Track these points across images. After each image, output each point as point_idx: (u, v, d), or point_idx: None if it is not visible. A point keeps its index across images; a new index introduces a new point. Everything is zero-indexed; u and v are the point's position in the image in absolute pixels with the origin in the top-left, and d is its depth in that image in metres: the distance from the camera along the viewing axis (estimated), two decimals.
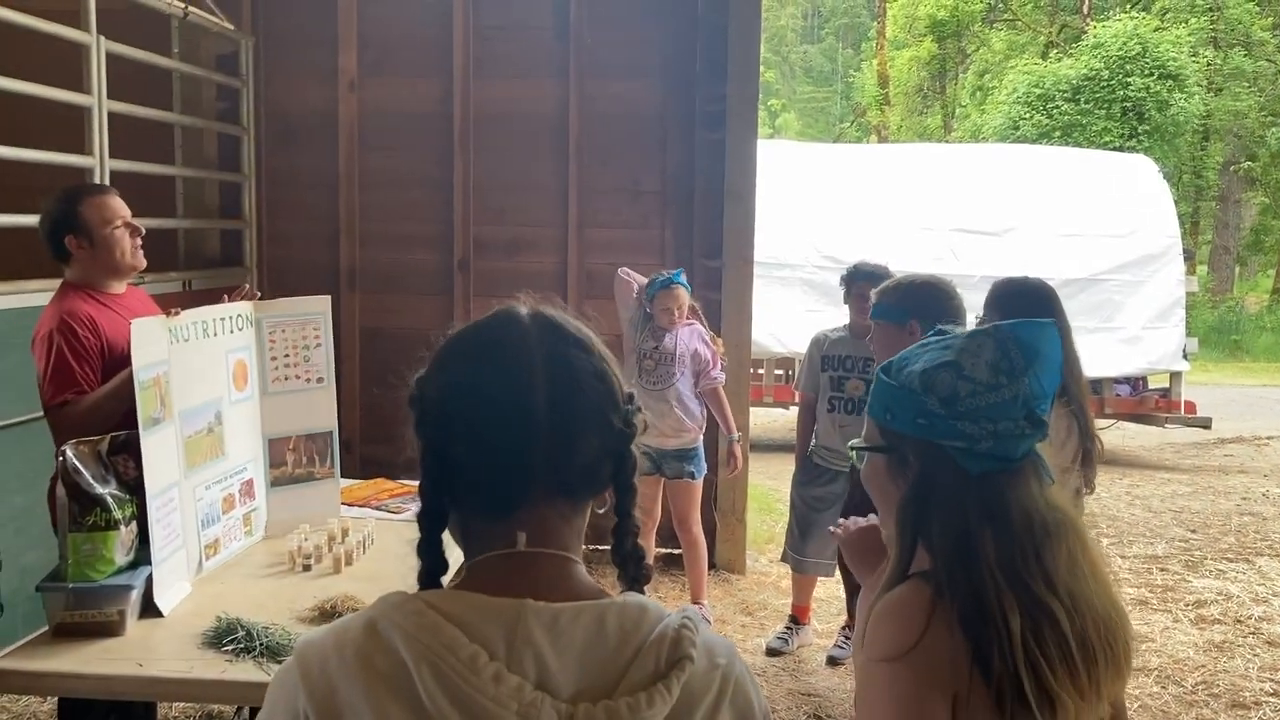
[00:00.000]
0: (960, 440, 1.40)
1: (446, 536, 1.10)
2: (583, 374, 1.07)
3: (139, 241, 3.12)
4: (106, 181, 4.16)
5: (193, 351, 2.95)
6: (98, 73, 4.23)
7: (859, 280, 4.42)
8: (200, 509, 2.90)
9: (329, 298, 3.56)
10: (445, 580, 1.09)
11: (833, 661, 4.58)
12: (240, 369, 3.22)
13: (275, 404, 3.37)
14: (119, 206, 3.09)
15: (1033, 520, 1.40)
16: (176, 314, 2.89)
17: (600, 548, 1.16)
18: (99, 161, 4.24)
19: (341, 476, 3.56)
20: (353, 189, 5.77)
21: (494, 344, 1.09)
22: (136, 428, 2.57)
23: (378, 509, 3.60)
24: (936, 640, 1.36)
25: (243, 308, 3.27)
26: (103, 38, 4.25)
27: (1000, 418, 1.40)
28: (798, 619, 4.81)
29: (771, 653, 4.66)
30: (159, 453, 2.69)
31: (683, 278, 4.77)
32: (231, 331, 3.18)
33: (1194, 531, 7.10)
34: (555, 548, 1.07)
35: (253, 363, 3.29)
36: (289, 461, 3.39)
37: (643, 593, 1.10)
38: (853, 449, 1.57)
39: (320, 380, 3.47)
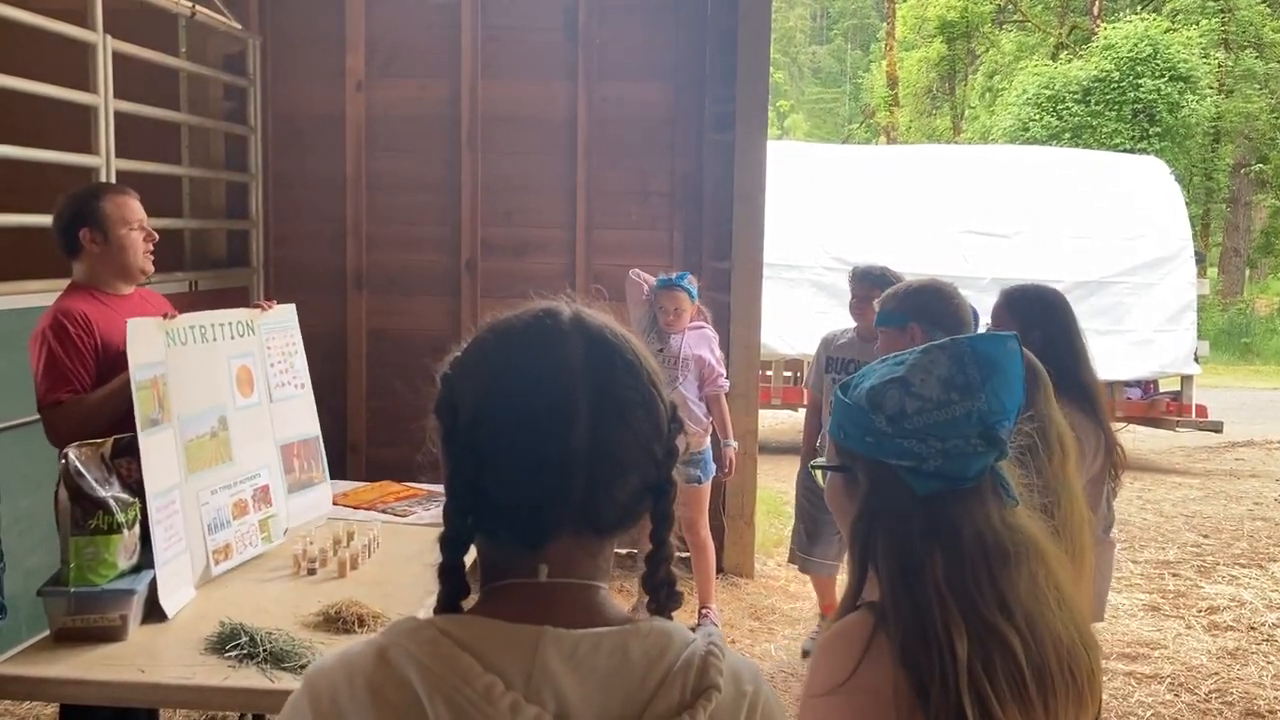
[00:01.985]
0: (907, 459, 1.34)
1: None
2: (630, 407, 1.01)
3: (150, 247, 3.11)
4: (112, 181, 4.15)
5: (192, 356, 2.94)
6: (104, 72, 4.21)
7: (857, 282, 4.41)
8: (206, 513, 2.88)
9: (293, 305, 3.60)
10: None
11: (806, 654, 4.58)
12: (244, 375, 3.21)
13: (279, 410, 3.37)
14: (138, 209, 3.09)
15: (986, 542, 1.32)
16: (173, 317, 2.89)
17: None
18: (105, 161, 4.21)
19: (347, 479, 3.55)
20: (359, 190, 5.74)
21: (535, 365, 1.01)
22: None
23: (384, 512, 3.57)
24: (874, 672, 1.28)
25: (243, 314, 3.28)
26: (109, 37, 4.22)
27: (950, 435, 1.33)
28: (826, 617, 4.79)
29: (807, 654, 4.63)
30: (157, 455, 2.66)
31: (687, 281, 4.74)
32: (232, 337, 3.18)
33: (1206, 537, 7.05)
34: (579, 578, 1.02)
35: (258, 369, 3.29)
36: (296, 468, 3.39)
37: (670, 619, 1.05)
38: (813, 468, 1.53)
39: (303, 386, 3.54)
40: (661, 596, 1.06)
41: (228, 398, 3.10)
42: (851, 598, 1.37)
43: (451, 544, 1.02)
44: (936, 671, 1.26)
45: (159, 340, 2.78)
